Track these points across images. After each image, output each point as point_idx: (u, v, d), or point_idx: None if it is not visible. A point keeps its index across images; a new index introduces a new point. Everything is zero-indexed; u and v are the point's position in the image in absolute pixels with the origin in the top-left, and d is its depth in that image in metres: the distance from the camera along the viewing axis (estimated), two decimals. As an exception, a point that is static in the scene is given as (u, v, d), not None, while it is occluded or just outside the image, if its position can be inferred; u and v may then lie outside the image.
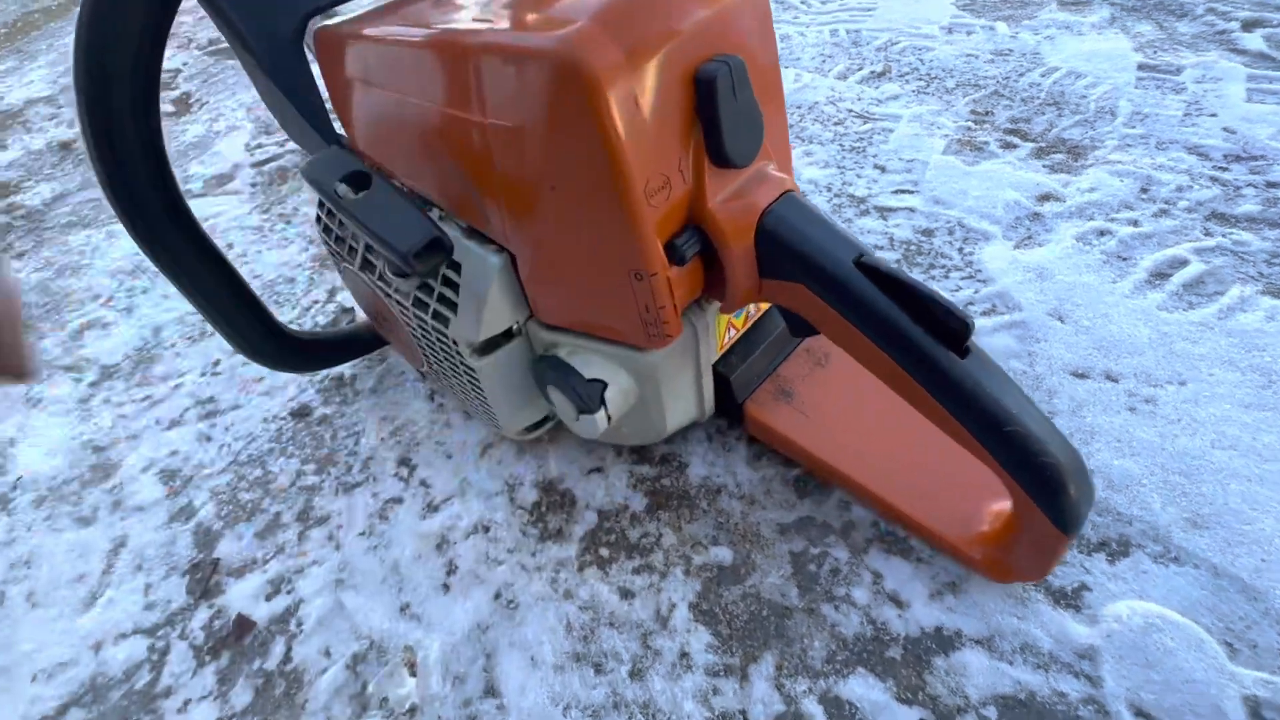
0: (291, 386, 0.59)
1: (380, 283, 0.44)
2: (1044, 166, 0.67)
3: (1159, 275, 0.55)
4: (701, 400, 0.44)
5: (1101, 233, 0.59)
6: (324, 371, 0.60)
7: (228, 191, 0.87)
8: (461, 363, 0.43)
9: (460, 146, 0.35)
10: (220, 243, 0.79)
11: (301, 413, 0.57)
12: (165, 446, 0.56)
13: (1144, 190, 0.63)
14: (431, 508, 0.48)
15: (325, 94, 0.43)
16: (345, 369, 0.60)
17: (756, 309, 0.45)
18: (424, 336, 0.45)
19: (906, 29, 0.94)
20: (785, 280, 0.34)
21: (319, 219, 0.49)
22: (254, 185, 0.87)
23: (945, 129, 0.75)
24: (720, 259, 0.33)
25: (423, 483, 0.50)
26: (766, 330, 0.46)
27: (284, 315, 0.67)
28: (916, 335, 0.31)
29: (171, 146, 0.98)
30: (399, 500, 0.49)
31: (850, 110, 0.80)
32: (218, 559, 0.48)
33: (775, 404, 0.45)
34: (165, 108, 1.08)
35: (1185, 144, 0.67)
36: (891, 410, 0.43)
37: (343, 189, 0.35)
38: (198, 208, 0.85)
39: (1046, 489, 0.31)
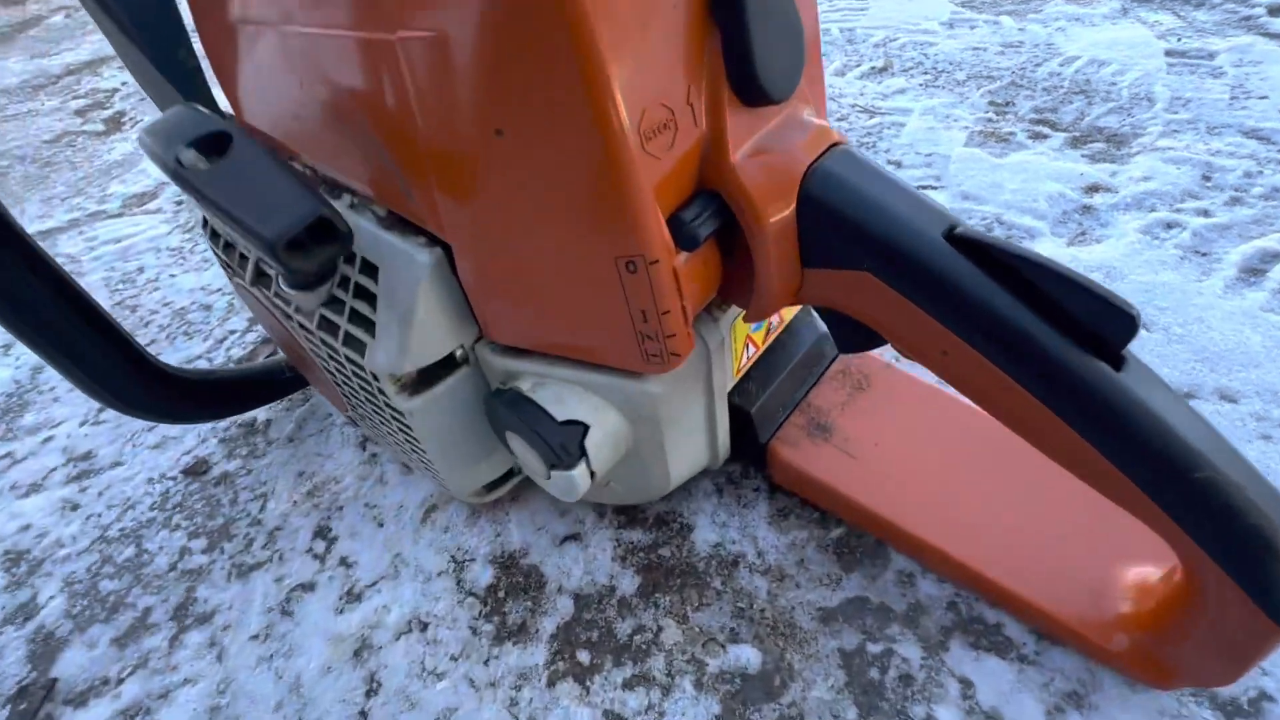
0: (189, 437, 0.47)
1: (277, 299, 0.33)
2: (1083, 156, 0.59)
3: (1252, 271, 0.46)
4: (714, 442, 0.33)
5: (1169, 225, 0.50)
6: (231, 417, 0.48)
7: (148, 210, 0.76)
8: (386, 405, 0.31)
9: (364, 85, 0.24)
10: (131, 266, 0.68)
11: (197, 470, 0.45)
12: (16, 520, 0.43)
13: (1206, 178, 0.54)
14: (352, 596, 0.36)
15: (206, 60, 0.32)
16: (259, 412, 0.48)
17: (780, 319, 0.35)
18: (338, 371, 0.33)
19: (904, 26, 0.87)
20: (841, 269, 0.23)
21: (205, 220, 0.37)
22: (179, 203, 0.76)
23: (963, 121, 0.66)
24: (747, 240, 0.23)
25: (343, 561, 0.38)
26: (790, 347, 0.36)
27: (191, 348, 0.55)
28: (1048, 338, 0.20)
29: (93, 165, 0.87)
30: (310, 586, 0.37)
31: (854, 105, 0.72)
32: (55, 680, 0.35)
33: (811, 443, 0.34)
34: (95, 126, 0.97)
35: (1240, 128, 0.59)
36: (966, 444, 0.33)
37: (190, 156, 0.24)
38: (111, 229, 0.74)
39: (1252, 559, 0.21)
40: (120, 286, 0.65)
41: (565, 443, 0.27)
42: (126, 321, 0.60)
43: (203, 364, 0.54)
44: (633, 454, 0.30)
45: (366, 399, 0.33)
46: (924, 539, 0.31)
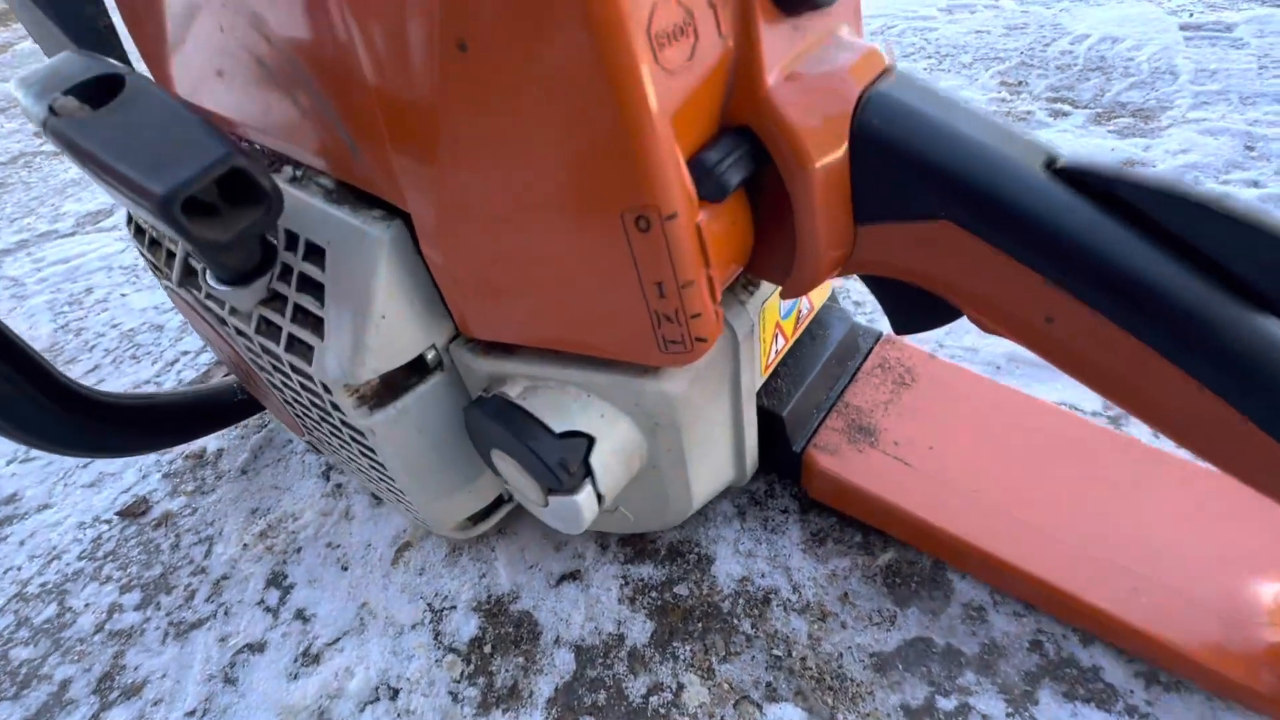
0: (129, 473, 0.41)
1: (209, 301, 0.28)
2: (1110, 132, 0.55)
3: (1321, 242, 0.41)
4: (741, 453, 0.28)
5: (1218, 198, 0.46)
6: (178, 447, 0.42)
7: (102, 228, 0.71)
8: (343, 424, 0.26)
9: (290, 13, 0.19)
10: (79, 287, 0.63)
11: (134, 510, 0.39)
12: (-79, 578, 0.37)
13: (1249, 148, 0.50)
14: (309, 657, 0.30)
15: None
16: (209, 441, 0.42)
17: (810, 305, 0.30)
18: (285, 386, 0.28)
19: (900, 14, 0.84)
20: (911, 220, 0.18)
21: (129, 215, 0.32)
22: (136, 220, 0.70)
23: (975, 102, 0.62)
24: (788, 190, 0.18)
25: (300, 614, 0.32)
26: (820, 339, 0.31)
27: (139, 372, 0.49)
28: (1196, 290, 0.15)
29: (48, 185, 0.82)
30: (259, 647, 0.31)
31: (856, 91, 0.68)
32: (-56, 777, 0.29)
33: (853, 449, 0.29)
34: (50, 146, 0.92)
35: (1275, 96, 0.55)
36: (1039, 441, 0.28)
37: (66, 103, 0.19)
38: (61, 248, 0.68)
39: None
40: (66, 309, 0.59)
41: (566, 460, 0.22)
42: (69, 346, 0.54)
43: (151, 389, 0.48)
44: (647, 471, 0.25)
45: (321, 418, 0.27)
46: (1001, 557, 0.25)
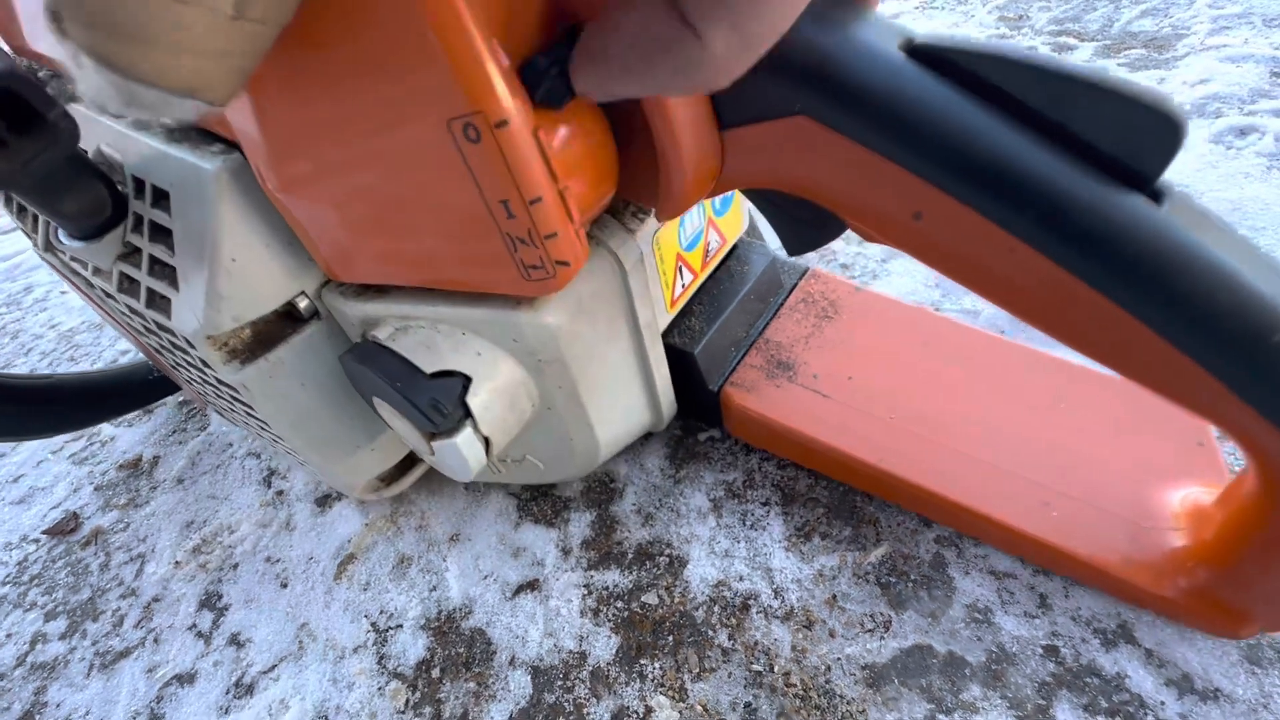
0: (60, 487, 0.38)
1: (74, 263, 0.25)
2: (1122, 65, 0.50)
3: (1362, 175, 0.37)
4: (653, 394, 0.27)
5: (1243, 131, 0.41)
6: (115, 455, 0.39)
7: (45, 223, 0.66)
8: (216, 380, 0.23)
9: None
10: (17, 286, 0.59)
11: (63, 528, 0.36)
12: None
13: (1277, 74, 0.45)
14: (242, 688, 0.27)
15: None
16: (145, 448, 0.39)
17: (721, 238, 0.28)
18: (161, 349, 0.26)
19: (890, -50, 0.77)
20: (768, 120, 0.16)
21: None
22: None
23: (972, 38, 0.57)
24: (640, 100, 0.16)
25: (234, 639, 0.29)
26: (738, 275, 0.29)
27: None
28: (1058, 169, 0.14)
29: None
30: (189, 678, 0.28)
31: (842, 35, 0.62)
32: None
33: (771, 384, 0.28)
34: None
35: (1304, 16, 0.50)
36: (955, 365, 0.28)
37: None
38: (0, 244, 0.65)
39: None
40: (3, 310, 0.55)
41: (438, 401, 0.20)
42: (6, 349, 0.51)
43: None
44: (544, 414, 0.23)
45: (201, 379, 0.25)
46: (915, 482, 0.25)
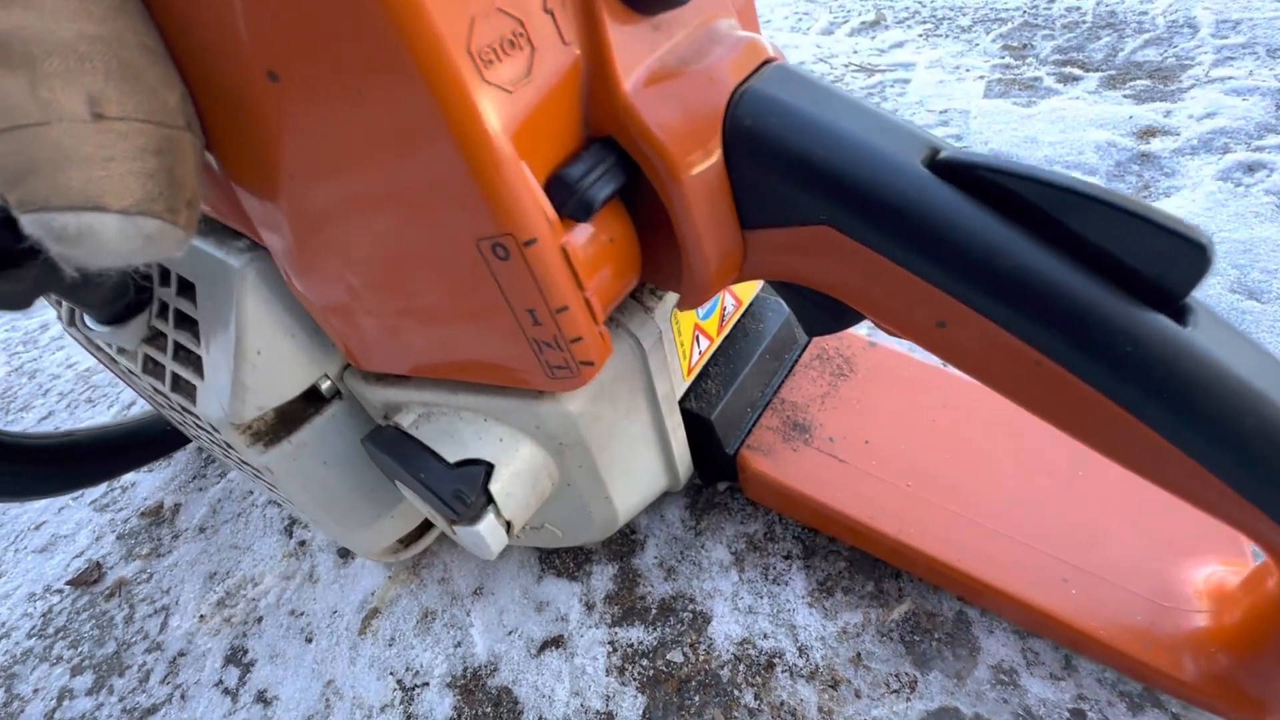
0: (82, 535, 0.38)
1: (97, 339, 0.25)
2: (1126, 97, 0.50)
3: (1372, 214, 0.37)
4: (670, 459, 0.27)
5: (1251, 168, 0.41)
6: (136, 501, 0.39)
7: (59, 257, 0.67)
8: (242, 462, 0.24)
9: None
10: (34, 324, 0.59)
11: (87, 578, 0.36)
12: None
13: (1282, 107, 0.45)
14: (271, 748, 0.27)
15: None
16: (166, 495, 0.39)
17: (736, 302, 0.28)
18: (184, 424, 0.26)
19: (892, -25, 0.78)
20: (791, 225, 0.16)
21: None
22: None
23: (977, 70, 0.57)
24: (663, 200, 0.16)
25: (261, 696, 0.29)
26: (752, 333, 0.29)
27: (95, 415, 0.46)
28: (1083, 288, 0.14)
29: None
30: (217, 737, 0.28)
31: (848, 64, 0.63)
32: None
33: (787, 448, 0.28)
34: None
35: (1307, 47, 0.50)
36: (976, 430, 0.27)
37: None
38: None
39: None
40: (20, 349, 0.56)
41: (461, 491, 0.20)
42: (23, 391, 0.51)
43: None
44: (564, 490, 0.23)
45: (220, 454, 0.26)
46: (933, 555, 0.24)
